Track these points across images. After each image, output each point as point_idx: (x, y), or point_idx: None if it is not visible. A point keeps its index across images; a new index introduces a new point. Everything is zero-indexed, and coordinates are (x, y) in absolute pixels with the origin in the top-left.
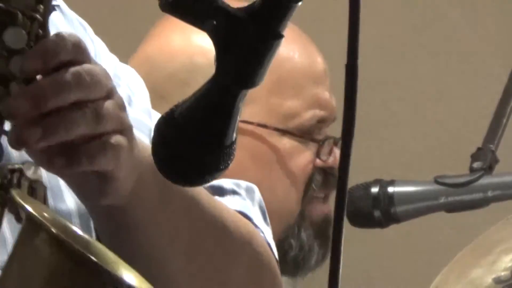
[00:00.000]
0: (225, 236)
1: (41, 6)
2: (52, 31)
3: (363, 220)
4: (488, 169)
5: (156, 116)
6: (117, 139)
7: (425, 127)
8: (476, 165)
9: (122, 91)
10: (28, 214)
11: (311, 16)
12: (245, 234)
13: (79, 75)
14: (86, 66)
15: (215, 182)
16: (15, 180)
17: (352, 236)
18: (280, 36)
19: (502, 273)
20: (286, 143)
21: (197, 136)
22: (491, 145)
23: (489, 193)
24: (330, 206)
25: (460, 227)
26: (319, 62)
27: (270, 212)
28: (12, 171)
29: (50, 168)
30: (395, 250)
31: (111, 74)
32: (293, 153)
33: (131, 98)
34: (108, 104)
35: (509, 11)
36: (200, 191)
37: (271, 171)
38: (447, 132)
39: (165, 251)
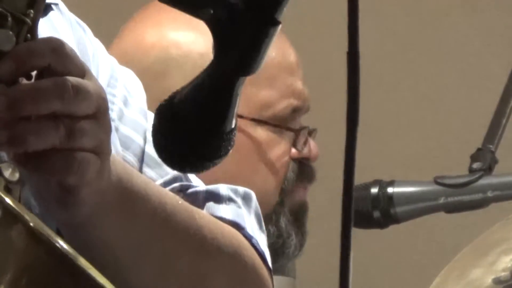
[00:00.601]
0: (201, 254)
1: (32, 11)
2: (50, 29)
3: (363, 220)
4: (488, 169)
5: (152, 117)
6: (87, 157)
7: (425, 127)
8: (475, 165)
9: (119, 92)
10: (6, 205)
11: (310, 16)
12: (227, 249)
13: (64, 87)
14: (74, 79)
15: (212, 187)
16: None
17: (351, 236)
18: (277, 23)
19: (502, 274)
20: (262, 133)
21: (197, 123)
22: (491, 146)
23: (489, 194)
24: (305, 192)
25: (460, 227)
26: (291, 53)
27: None
28: None
29: (14, 163)
30: (395, 250)
31: (108, 75)
32: (269, 144)
33: (128, 98)
34: (90, 123)
35: (509, 11)
36: (176, 209)
37: (249, 161)
38: (447, 132)
39: (132, 268)
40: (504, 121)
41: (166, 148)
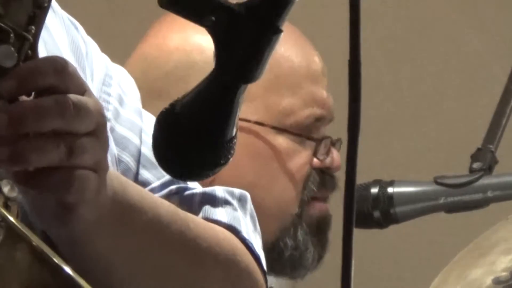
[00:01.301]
0: (196, 263)
1: (33, 27)
2: (43, 29)
3: (363, 220)
4: (488, 169)
5: (147, 116)
6: (86, 174)
7: (425, 127)
8: (475, 165)
9: (114, 91)
10: (9, 224)
11: (311, 16)
12: (222, 257)
13: (64, 105)
14: (75, 97)
15: (209, 189)
16: None
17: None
18: (279, 31)
19: (502, 274)
20: (283, 142)
21: (197, 131)
22: (491, 146)
23: (489, 193)
24: (327, 205)
25: (460, 227)
26: (316, 61)
27: (267, 211)
28: None
29: (13, 181)
30: (395, 250)
31: (103, 73)
32: (290, 152)
33: (123, 98)
34: (89, 141)
35: (509, 11)
36: (171, 220)
37: (268, 170)
38: (447, 132)
39: (127, 280)
40: (504, 121)
41: (166, 155)
